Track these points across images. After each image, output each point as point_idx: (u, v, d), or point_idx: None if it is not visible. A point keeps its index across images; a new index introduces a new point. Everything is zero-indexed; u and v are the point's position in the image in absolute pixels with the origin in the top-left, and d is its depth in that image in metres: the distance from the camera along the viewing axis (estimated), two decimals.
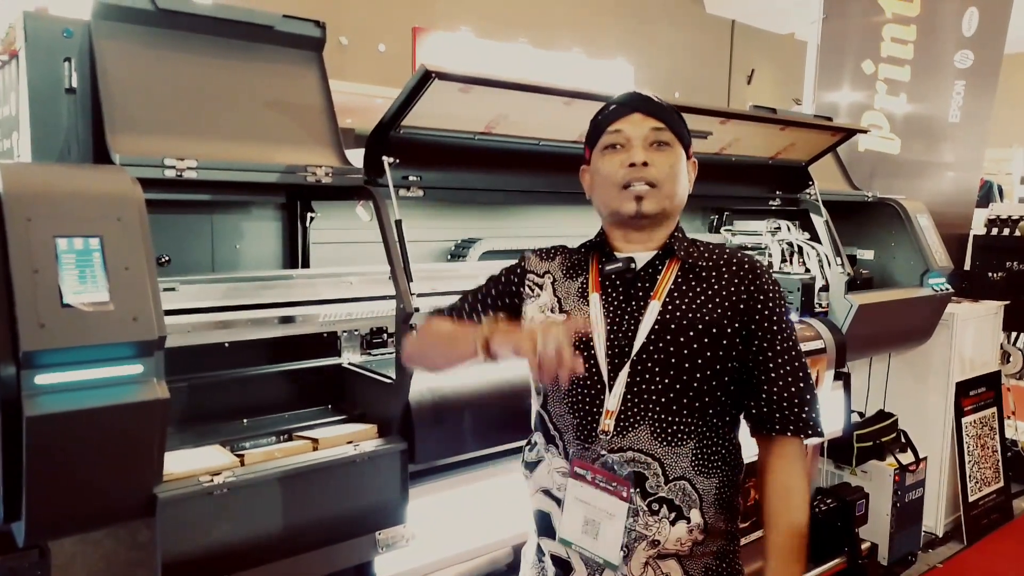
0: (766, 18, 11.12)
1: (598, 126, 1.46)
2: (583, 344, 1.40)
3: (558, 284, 1.49)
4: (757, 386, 1.42)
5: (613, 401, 1.37)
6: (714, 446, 1.41)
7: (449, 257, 2.56)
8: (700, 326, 1.37)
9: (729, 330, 1.39)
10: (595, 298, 1.43)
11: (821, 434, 1.43)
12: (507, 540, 2.01)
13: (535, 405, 1.52)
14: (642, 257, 1.44)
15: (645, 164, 1.39)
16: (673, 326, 1.37)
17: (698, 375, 1.37)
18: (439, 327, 1.53)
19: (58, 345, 1.29)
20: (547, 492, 1.46)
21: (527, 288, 1.52)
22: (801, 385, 1.42)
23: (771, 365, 1.41)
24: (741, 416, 1.47)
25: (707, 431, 1.40)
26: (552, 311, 1.46)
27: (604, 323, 1.40)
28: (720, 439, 1.42)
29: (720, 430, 1.42)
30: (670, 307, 1.39)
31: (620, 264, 1.43)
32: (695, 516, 1.38)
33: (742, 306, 1.40)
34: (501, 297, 1.55)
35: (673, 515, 1.37)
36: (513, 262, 1.59)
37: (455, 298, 1.61)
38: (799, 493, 1.42)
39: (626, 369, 1.37)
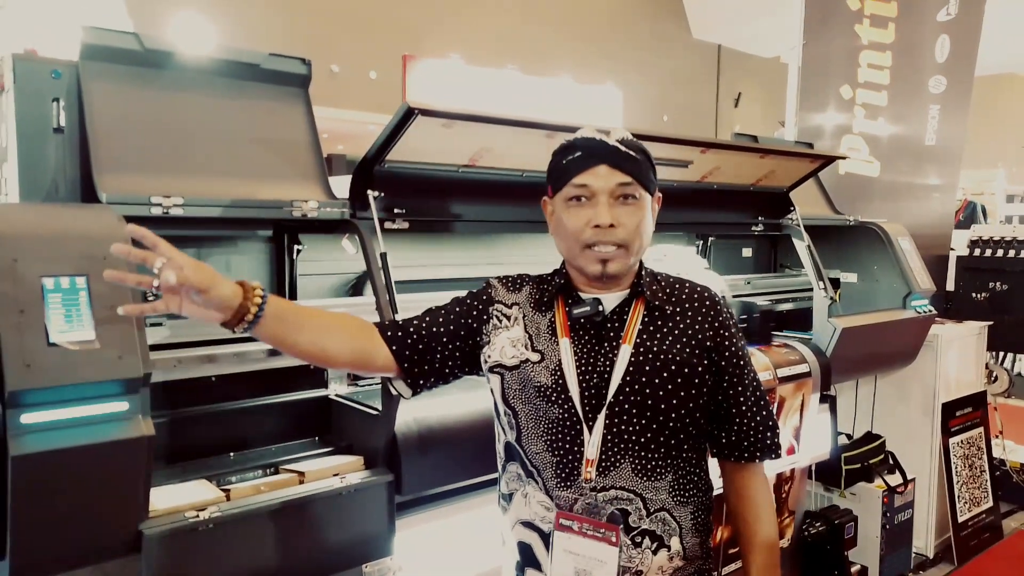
0: (751, 42, 11.28)
1: (562, 172, 1.41)
2: (560, 387, 1.41)
3: (528, 319, 1.49)
4: (727, 417, 1.47)
5: (592, 450, 1.39)
6: (689, 475, 1.45)
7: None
8: (673, 366, 1.40)
9: (700, 367, 1.42)
10: (565, 343, 1.43)
11: (780, 456, 1.52)
12: (495, 570, 2.02)
13: (507, 437, 1.51)
14: (609, 299, 1.45)
15: (612, 226, 1.37)
16: (647, 368, 1.40)
17: (673, 414, 1.40)
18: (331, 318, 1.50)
19: (44, 384, 1.30)
20: (528, 524, 1.47)
21: (495, 318, 1.51)
22: (764, 413, 1.49)
23: (741, 398, 1.47)
24: (708, 443, 1.52)
25: (683, 463, 1.44)
26: (525, 347, 1.47)
27: (575, 368, 1.42)
28: (694, 468, 1.47)
29: (694, 460, 1.46)
30: (641, 349, 1.41)
31: (588, 308, 1.43)
32: (675, 544, 1.41)
33: (709, 343, 1.44)
34: (463, 316, 1.51)
35: (655, 545, 1.40)
36: (481, 287, 1.57)
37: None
38: (770, 512, 1.51)
39: (603, 413, 1.39)
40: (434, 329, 1.51)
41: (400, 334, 1.50)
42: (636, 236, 1.40)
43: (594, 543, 1.38)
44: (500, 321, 1.50)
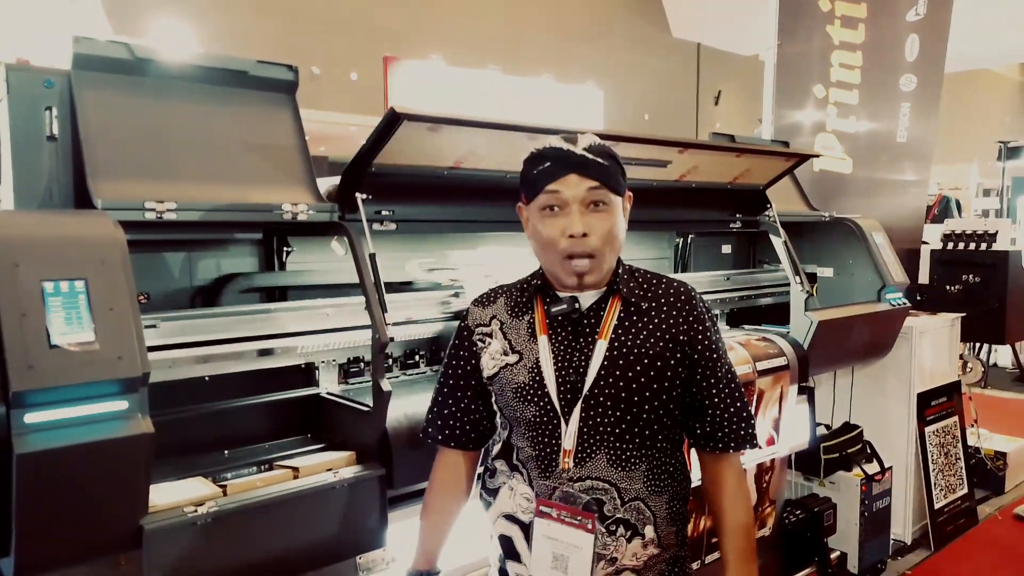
0: (730, 41, 11.38)
1: (534, 181, 1.46)
2: (537, 384, 1.47)
3: (506, 326, 1.55)
4: (701, 408, 1.53)
5: (569, 440, 1.45)
6: (664, 466, 1.51)
7: None
8: (646, 360, 1.46)
9: (672, 360, 1.48)
10: (543, 340, 1.50)
11: (757, 446, 1.57)
12: (485, 560, 2.07)
13: (503, 436, 1.58)
14: (586, 297, 1.51)
15: (585, 235, 1.42)
16: (621, 362, 1.45)
17: (647, 406, 1.46)
18: (427, 510, 1.68)
19: (46, 385, 1.34)
20: (509, 517, 1.54)
21: (479, 342, 1.58)
22: (739, 404, 1.54)
23: (713, 390, 1.52)
24: (684, 434, 1.58)
25: (657, 453, 1.49)
26: (504, 354, 1.53)
27: (553, 364, 1.48)
28: (668, 458, 1.52)
29: (668, 450, 1.52)
30: (616, 344, 1.47)
31: (565, 306, 1.49)
32: (649, 532, 1.47)
33: (682, 336, 1.49)
34: (469, 375, 1.60)
35: (629, 533, 1.46)
36: (458, 324, 1.65)
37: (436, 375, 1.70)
38: (745, 500, 1.56)
39: (579, 406, 1.45)
40: (473, 406, 1.62)
41: (463, 439, 1.64)
42: (608, 243, 1.45)
43: (571, 529, 1.44)
44: (484, 342, 1.58)
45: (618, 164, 1.49)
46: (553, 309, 1.49)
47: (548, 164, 1.44)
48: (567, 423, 1.45)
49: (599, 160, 1.45)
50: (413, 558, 1.67)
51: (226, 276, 2.16)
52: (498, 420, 1.60)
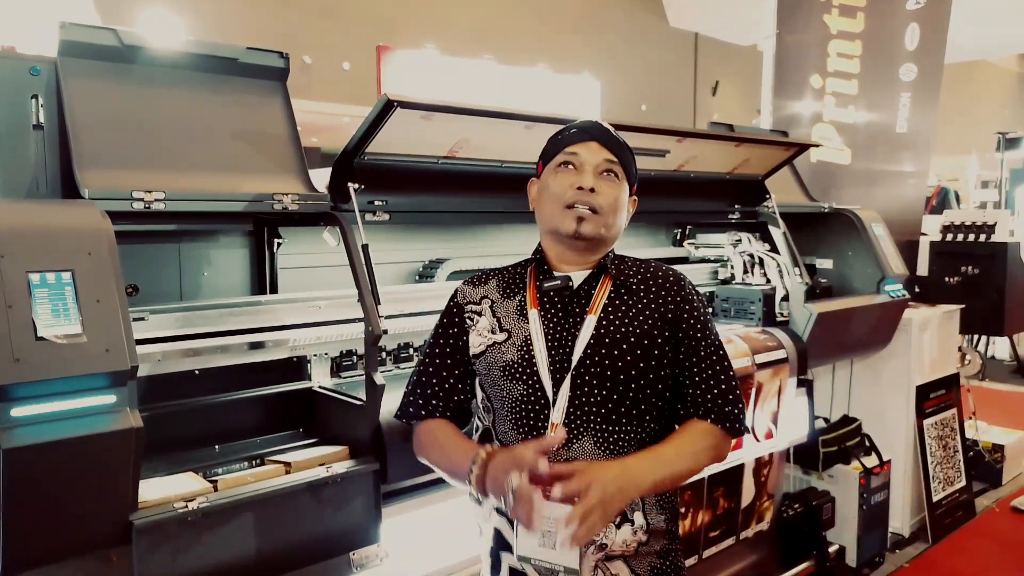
0: (728, 31, 11.34)
1: (556, 144, 1.55)
2: (526, 361, 1.47)
3: (496, 305, 1.56)
4: (682, 388, 1.52)
5: (558, 414, 1.44)
6: None
7: (417, 278, 2.59)
8: (633, 338, 1.46)
9: (659, 339, 1.48)
10: (534, 314, 1.51)
11: (744, 430, 1.52)
12: (480, 556, 2.05)
13: (485, 424, 1.56)
14: (578, 275, 1.53)
15: (592, 190, 1.47)
16: (608, 340, 1.46)
17: (634, 385, 1.45)
18: (437, 438, 1.57)
19: (33, 378, 1.32)
20: (499, 510, 1.51)
21: (468, 319, 1.58)
22: (724, 387, 1.51)
23: (696, 369, 1.51)
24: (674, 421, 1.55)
25: (646, 437, 1.48)
26: (492, 332, 1.53)
27: (543, 338, 1.48)
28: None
29: (658, 435, 1.50)
30: (604, 321, 1.48)
31: (558, 282, 1.51)
32: (638, 518, 1.46)
33: (670, 316, 1.50)
34: (457, 351, 1.58)
35: (618, 519, 1.44)
36: (447, 303, 1.63)
37: (420, 353, 1.67)
38: (697, 449, 1.46)
39: (567, 382, 1.44)
40: (459, 385, 1.59)
41: (449, 414, 1.60)
42: (611, 209, 1.50)
43: (557, 504, 1.41)
44: (473, 320, 1.58)
45: (632, 156, 1.57)
46: (546, 284, 1.52)
47: (574, 130, 1.55)
48: (555, 400, 1.44)
49: (619, 139, 1.55)
50: (461, 466, 1.47)
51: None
52: (480, 406, 1.57)
